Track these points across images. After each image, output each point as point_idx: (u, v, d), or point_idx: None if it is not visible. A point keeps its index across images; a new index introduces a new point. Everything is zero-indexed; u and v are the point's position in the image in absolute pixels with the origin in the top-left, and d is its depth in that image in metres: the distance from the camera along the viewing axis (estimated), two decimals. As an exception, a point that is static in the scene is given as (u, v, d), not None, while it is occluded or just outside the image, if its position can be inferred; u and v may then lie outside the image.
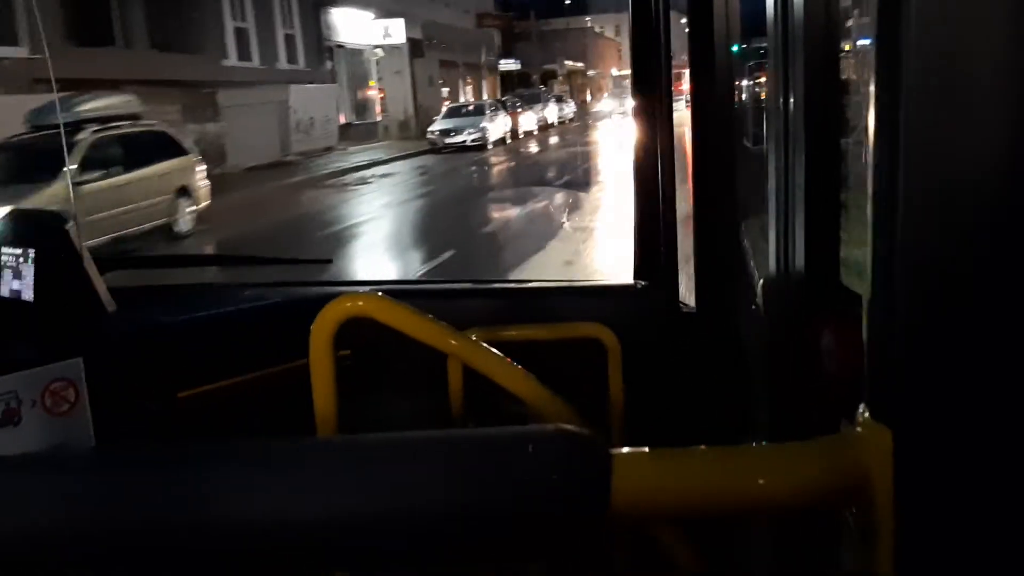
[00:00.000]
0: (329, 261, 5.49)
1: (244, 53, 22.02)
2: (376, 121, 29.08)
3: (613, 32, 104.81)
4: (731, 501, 0.71)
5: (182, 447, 0.73)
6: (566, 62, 66.12)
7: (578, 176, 17.20)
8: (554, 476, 0.69)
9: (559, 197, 14.44)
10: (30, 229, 1.66)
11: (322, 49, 25.72)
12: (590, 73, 66.28)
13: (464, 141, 24.83)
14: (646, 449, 0.72)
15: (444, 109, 27.36)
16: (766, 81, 1.19)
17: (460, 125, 25.24)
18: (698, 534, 1.15)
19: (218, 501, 0.68)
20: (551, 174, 17.96)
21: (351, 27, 27.45)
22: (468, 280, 3.06)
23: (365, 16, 28.23)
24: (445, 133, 25.12)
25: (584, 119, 42.24)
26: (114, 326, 1.68)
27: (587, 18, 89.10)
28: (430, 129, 25.93)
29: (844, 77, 1.01)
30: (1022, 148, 0.58)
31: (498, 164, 22.16)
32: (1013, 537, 0.62)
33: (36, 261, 1.58)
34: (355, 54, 28.34)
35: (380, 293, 1.24)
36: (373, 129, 28.50)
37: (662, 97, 1.89)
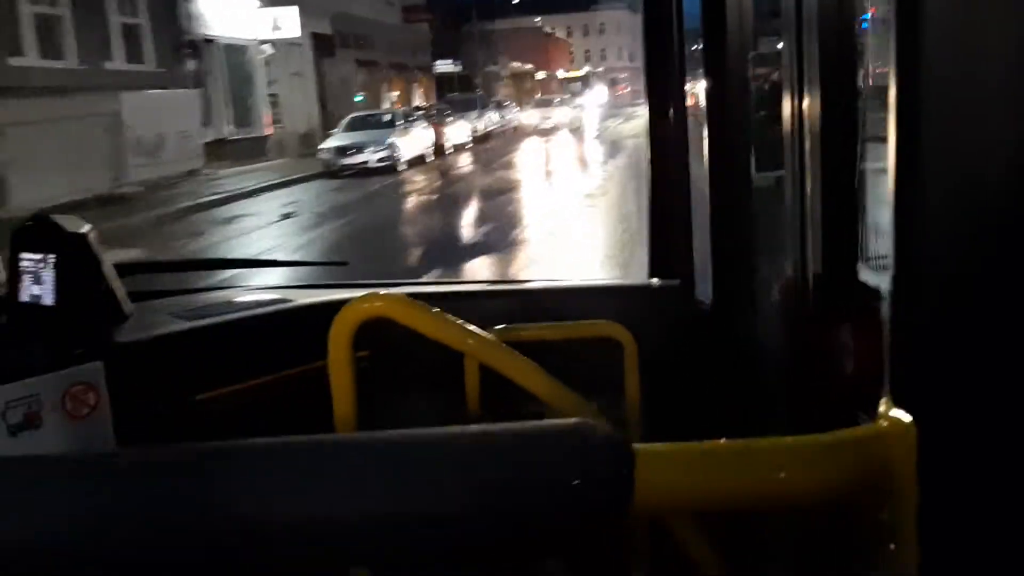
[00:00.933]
0: (346, 263, 5.01)
1: (52, 49, 16.21)
2: (265, 135, 23.35)
3: (564, 33, 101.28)
4: (753, 495, 0.71)
5: (200, 448, 0.73)
6: (512, 64, 60.88)
7: (504, 227, 11.81)
8: (576, 471, 0.69)
9: (472, 267, 9.14)
10: (50, 234, 1.62)
11: (182, 44, 19.97)
12: (539, 75, 60.89)
13: (367, 161, 19.26)
14: (667, 444, 0.72)
15: (345, 120, 21.69)
16: (781, 81, 1.17)
17: (363, 141, 19.61)
18: (720, 530, 1.12)
19: (236, 501, 0.68)
20: (470, 217, 12.68)
21: (228, 17, 21.76)
22: (484, 280, 3.24)
23: (248, 1, 22.56)
24: (342, 151, 19.49)
25: (529, 127, 37.07)
26: (133, 330, 1.68)
27: (537, 18, 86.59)
28: (322, 146, 20.29)
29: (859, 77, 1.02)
30: None
31: (403, 197, 16.67)
32: None
33: (56, 266, 1.58)
34: (237, 51, 22.60)
35: (397, 294, 1.25)
36: (261, 145, 22.81)
37: (676, 96, 1.89)
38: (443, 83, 42.26)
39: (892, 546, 0.68)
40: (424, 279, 6.98)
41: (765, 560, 1.26)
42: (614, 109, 57.34)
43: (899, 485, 0.66)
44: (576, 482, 0.67)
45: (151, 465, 0.72)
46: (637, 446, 0.69)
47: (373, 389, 1.27)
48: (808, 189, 1.05)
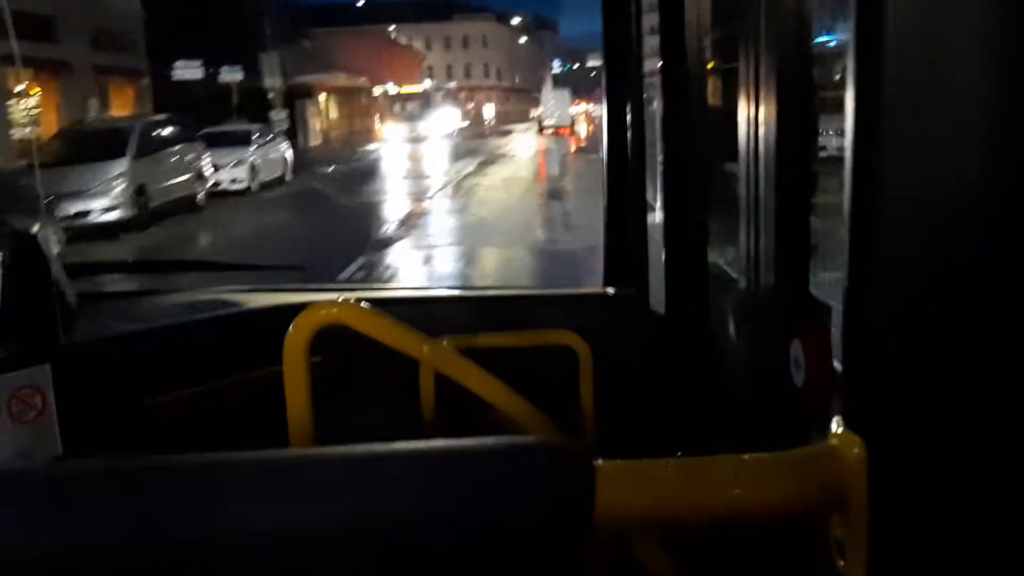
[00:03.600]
0: (302, 268, 4.99)
1: None
2: None
3: (423, 45, 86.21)
4: (710, 511, 0.73)
5: (154, 461, 0.72)
6: (336, 75, 44.22)
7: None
8: (539, 488, 0.71)
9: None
10: None
11: None
12: (379, 91, 44.16)
13: None
14: (628, 461, 0.73)
15: None
16: (737, 94, 1.19)
17: None
18: (680, 548, 1.15)
19: (195, 516, 0.68)
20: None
21: None
22: (441, 287, 3.22)
23: None
24: None
25: (318, 172, 21.05)
26: (82, 332, 1.65)
27: (390, 27, 71.62)
28: None
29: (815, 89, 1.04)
30: (996, 168, 0.62)
31: None
32: (986, 546, 0.65)
33: (4, 266, 1.52)
34: None
35: (354, 300, 1.25)
36: None
37: (633, 105, 1.90)
38: (200, 97, 25.07)
39: (842, 562, 0.70)
40: (381, 285, 6.21)
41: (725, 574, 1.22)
42: (473, 140, 41.78)
43: (850, 502, 0.68)
44: (539, 498, 0.69)
45: (101, 477, 0.71)
46: (599, 463, 0.71)
47: (327, 395, 1.23)
48: (762, 205, 1.05)
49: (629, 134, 1.88)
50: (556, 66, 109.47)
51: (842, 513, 0.69)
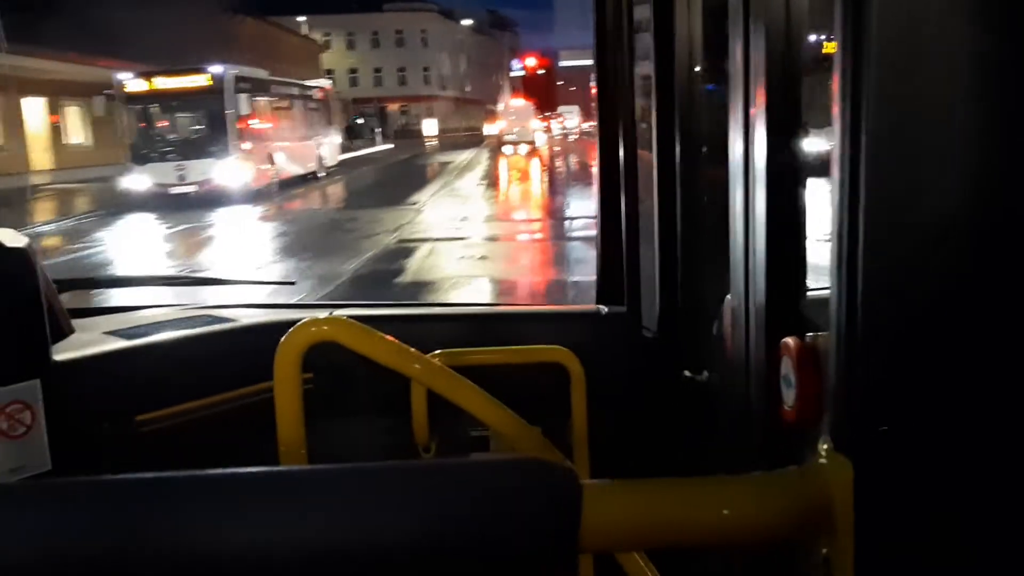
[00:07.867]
0: (293, 283, 5.23)
1: None
2: None
3: (344, 43, 66.08)
4: (697, 532, 0.74)
5: (145, 479, 0.72)
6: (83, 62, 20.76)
7: None
8: (525, 506, 0.71)
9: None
10: None
11: None
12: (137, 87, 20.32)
13: None
14: (615, 480, 0.74)
15: None
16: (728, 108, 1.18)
17: None
18: (667, 567, 1.12)
19: (184, 535, 0.67)
20: None
21: None
22: (433, 304, 2.94)
23: None
24: None
25: None
26: (72, 347, 1.62)
27: (301, 19, 59.05)
28: None
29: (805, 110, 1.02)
30: (982, 191, 0.63)
31: None
32: (970, 567, 0.66)
33: None
34: None
35: (345, 317, 1.23)
36: None
37: (627, 122, 1.88)
38: None
39: None
40: (371, 301, 5.84)
41: None
42: (339, 208, 19.99)
43: (836, 523, 0.69)
44: (525, 516, 0.69)
45: (91, 494, 0.70)
46: (585, 483, 0.71)
47: (317, 412, 1.24)
48: (754, 221, 1.05)
49: (622, 153, 1.87)
50: (516, 68, 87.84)
51: (829, 533, 0.70)
